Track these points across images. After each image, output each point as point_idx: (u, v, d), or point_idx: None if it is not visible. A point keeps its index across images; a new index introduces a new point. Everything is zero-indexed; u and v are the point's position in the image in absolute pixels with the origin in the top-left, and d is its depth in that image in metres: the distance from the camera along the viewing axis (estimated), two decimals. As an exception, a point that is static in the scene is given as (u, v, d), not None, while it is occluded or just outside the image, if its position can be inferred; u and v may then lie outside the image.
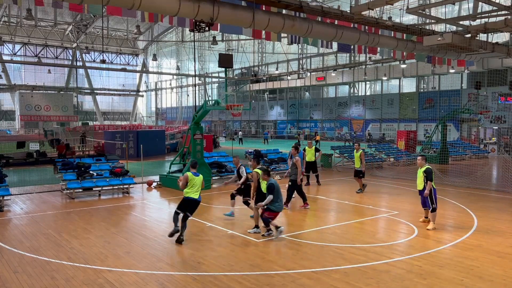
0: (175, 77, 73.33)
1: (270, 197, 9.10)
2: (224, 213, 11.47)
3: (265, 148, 27.59)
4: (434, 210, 9.97)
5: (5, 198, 13.08)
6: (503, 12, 16.39)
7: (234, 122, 64.61)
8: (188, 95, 69.24)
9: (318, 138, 37.05)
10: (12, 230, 10.24)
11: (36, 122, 63.53)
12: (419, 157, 10.42)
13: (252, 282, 6.81)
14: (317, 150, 16.60)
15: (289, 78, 54.36)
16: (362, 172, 14.93)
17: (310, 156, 16.56)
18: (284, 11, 16.44)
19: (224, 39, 56.07)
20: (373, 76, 45.81)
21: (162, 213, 12.24)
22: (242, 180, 10.82)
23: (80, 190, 14.67)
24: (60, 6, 17.21)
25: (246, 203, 10.91)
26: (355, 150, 15.60)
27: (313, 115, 54.50)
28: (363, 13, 15.57)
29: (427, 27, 20.16)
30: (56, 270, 7.43)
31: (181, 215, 9.05)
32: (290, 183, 12.54)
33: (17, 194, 14.77)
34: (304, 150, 16.61)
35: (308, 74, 51.28)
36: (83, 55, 69.36)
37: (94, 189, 14.86)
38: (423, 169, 9.98)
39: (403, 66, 40.81)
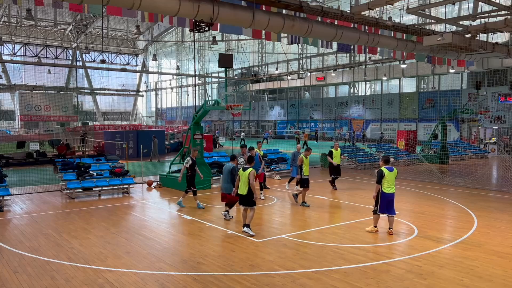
0: (175, 77, 73.34)
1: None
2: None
3: (264, 148, 27.51)
4: (374, 212, 9.86)
5: (5, 198, 13.08)
6: (503, 12, 16.39)
7: (234, 122, 64.60)
8: (188, 95, 69.22)
9: (305, 137, 36.33)
10: (12, 230, 10.23)
11: (36, 122, 63.57)
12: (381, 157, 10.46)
13: (252, 282, 6.81)
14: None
15: (289, 78, 54.38)
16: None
17: (338, 159, 15.84)
18: (284, 11, 16.43)
19: (224, 39, 56.05)
20: (373, 76, 45.81)
21: (162, 213, 12.24)
22: None
23: (80, 190, 14.66)
24: (60, 6, 17.20)
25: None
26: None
27: (313, 115, 54.50)
28: (363, 13, 15.56)
29: (427, 27, 20.16)
30: (56, 270, 7.43)
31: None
32: None
33: (17, 194, 14.77)
34: (332, 153, 15.75)
35: (308, 74, 51.30)
36: (83, 55, 69.37)
37: (94, 189, 14.86)
38: (377, 170, 10.02)
39: (403, 66, 40.82)
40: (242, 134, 49.22)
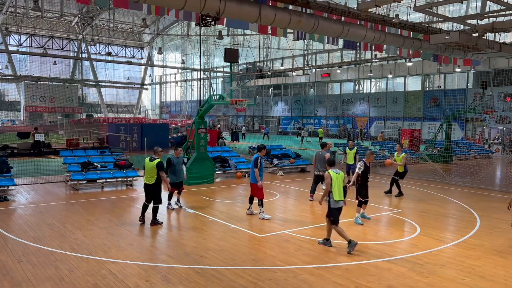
0: (180, 71, 73.28)
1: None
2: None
3: (268, 144, 27.53)
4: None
5: (10, 188, 13.18)
6: (511, 12, 16.28)
7: (238, 117, 64.59)
8: (192, 89, 69.21)
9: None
10: (16, 220, 10.32)
11: (41, 113, 63.83)
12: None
13: (254, 277, 6.85)
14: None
15: (294, 74, 54.26)
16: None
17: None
18: (290, 7, 16.38)
19: (230, 33, 55.94)
20: (379, 73, 45.64)
21: (165, 206, 12.27)
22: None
23: (84, 181, 14.74)
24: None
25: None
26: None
27: (317, 111, 54.40)
28: (370, 10, 15.50)
29: (434, 25, 20.04)
30: (59, 260, 7.50)
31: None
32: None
33: (21, 184, 14.87)
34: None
35: (313, 70, 51.15)
36: (89, 47, 69.42)
37: (98, 181, 14.93)
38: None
39: (409, 64, 40.59)
40: (244, 128, 49.17)
